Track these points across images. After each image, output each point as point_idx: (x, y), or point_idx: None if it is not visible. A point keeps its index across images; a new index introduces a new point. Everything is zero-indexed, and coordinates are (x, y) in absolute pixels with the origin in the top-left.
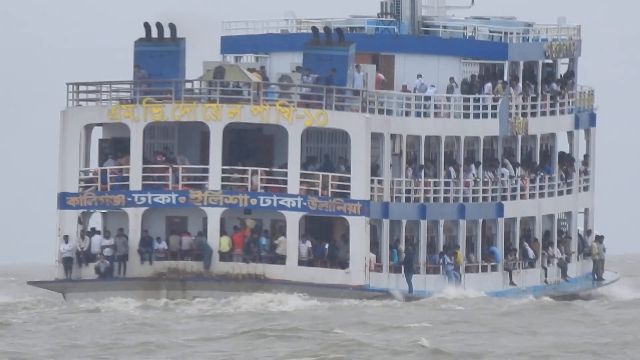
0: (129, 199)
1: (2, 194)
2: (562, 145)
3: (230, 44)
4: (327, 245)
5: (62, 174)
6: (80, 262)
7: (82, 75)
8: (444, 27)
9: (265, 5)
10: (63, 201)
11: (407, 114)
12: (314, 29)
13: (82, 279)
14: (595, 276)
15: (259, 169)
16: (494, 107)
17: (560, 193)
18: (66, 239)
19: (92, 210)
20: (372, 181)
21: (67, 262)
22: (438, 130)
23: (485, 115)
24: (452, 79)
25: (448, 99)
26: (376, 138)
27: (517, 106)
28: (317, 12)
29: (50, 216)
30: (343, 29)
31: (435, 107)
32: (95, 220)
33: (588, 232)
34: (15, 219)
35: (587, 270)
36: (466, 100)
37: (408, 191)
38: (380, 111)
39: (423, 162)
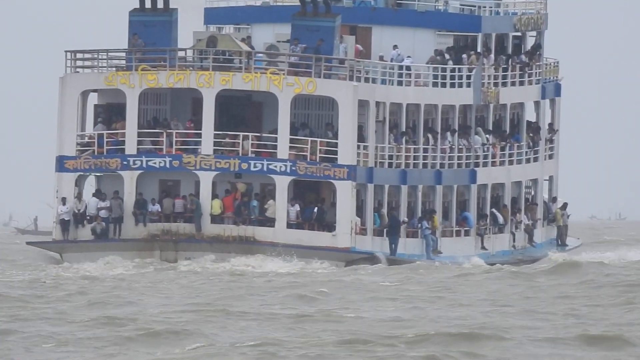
0: (124, 163)
1: (4, 157)
2: (529, 115)
3: (213, 15)
4: (315, 209)
5: (60, 138)
6: (77, 224)
7: (79, 43)
8: (416, 0)
9: None
10: (61, 164)
11: (387, 82)
12: (302, 1)
13: (78, 239)
14: (559, 242)
15: (250, 134)
16: (468, 77)
17: (528, 161)
18: (64, 200)
19: (88, 174)
20: (357, 147)
21: (64, 224)
22: (418, 98)
23: (460, 85)
24: (437, 51)
25: (430, 68)
26: (362, 105)
27: (489, 76)
28: None
29: (49, 178)
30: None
31: (415, 76)
32: (90, 184)
33: (553, 199)
34: (16, 180)
35: (551, 236)
36: (444, 70)
37: (390, 157)
38: (366, 80)
39: (404, 129)
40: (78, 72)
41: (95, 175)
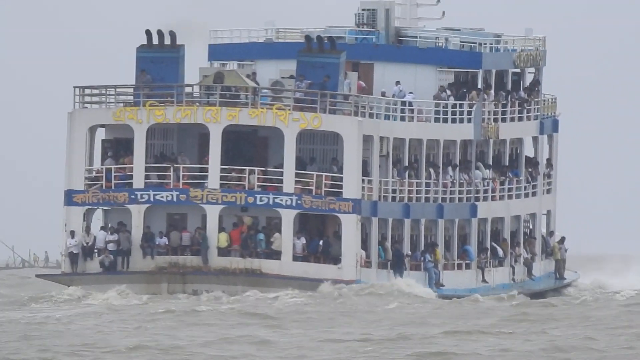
0: (132, 197)
1: (11, 192)
2: (527, 150)
3: (217, 52)
4: (321, 242)
5: (68, 172)
6: (85, 257)
7: (87, 79)
8: (415, 37)
9: (246, 15)
10: (69, 198)
11: (390, 117)
12: (307, 37)
13: (87, 272)
14: (557, 275)
15: (256, 168)
16: (469, 113)
17: (527, 195)
18: (72, 234)
19: (96, 207)
20: (362, 181)
21: (73, 256)
22: (420, 133)
23: (461, 120)
24: (441, 87)
25: (432, 104)
26: (366, 140)
27: (489, 112)
28: (295, 22)
29: (58, 213)
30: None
31: (418, 112)
32: (97, 217)
33: (550, 233)
34: (24, 215)
35: (549, 269)
36: (445, 106)
37: (394, 191)
38: (370, 115)
39: (407, 164)
40: (86, 107)
41: (102, 209)
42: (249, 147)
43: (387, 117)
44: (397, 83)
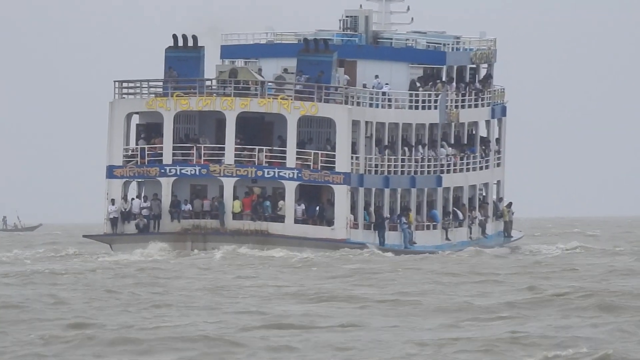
0: (162, 171)
1: (62, 168)
2: (481, 131)
3: (228, 52)
4: (317, 208)
5: (109, 151)
6: (124, 220)
7: (124, 73)
8: (390, 38)
9: (251, 21)
10: (110, 172)
11: (373, 105)
12: (305, 40)
13: (125, 233)
14: (506, 234)
15: (264, 147)
16: (435, 101)
17: (481, 168)
18: (113, 202)
19: (132, 180)
20: (351, 158)
21: (113, 220)
22: (397, 118)
23: (429, 107)
24: (413, 80)
25: (406, 94)
26: (354, 124)
27: (452, 100)
28: (290, 27)
29: (100, 184)
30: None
31: (395, 101)
32: (133, 188)
33: (500, 199)
34: (71, 186)
35: (499, 229)
36: (416, 95)
37: (376, 166)
38: (357, 104)
39: (387, 143)
40: (124, 97)
41: (137, 181)
42: (257, 130)
43: (370, 105)
44: (376, 77)
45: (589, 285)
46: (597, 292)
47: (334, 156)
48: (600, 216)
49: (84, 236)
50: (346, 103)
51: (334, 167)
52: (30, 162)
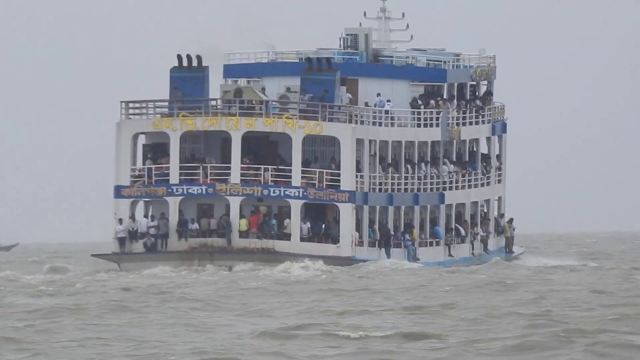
0: (169, 190)
1: (69, 188)
2: (482, 148)
3: (230, 71)
4: (323, 225)
5: (117, 171)
6: (131, 239)
7: (129, 94)
8: (390, 56)
9: (251, 39)
10: (118, 192)
11: (376, 124)
12: (309, 59)
13: (133, 252)
14: (507, 249)
15: (270, 166)
16: (437, 119)
17: (482, 185)
18: (120, 221)
19: (140, 199)
20: (355, 176)
21: (121, 240)
22: (400, 136)
23: (431, 125)
24: (415, 98)
25: (408, 112)
26: (358, 143)
27: (453, 118)
28: (290, 45)
29: (107, 204)
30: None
31: (397, 119)
32: (140, 207)
33: (501, 215)
34: (78, 206)
35: (500, 245)
36: (418, 113)
37: (380, 183)
38: (361, 122)
39: (390, 161)
40: (130, 118)
41: (144, 200)
42: (262, 149)
43: (373, 124)
44: (378, 95)
45: None
46: None
47: (338, 174)
48: (603, 231)
49: (93, 255)
50: (350, 122)
51: (339, 186)
52: (30, 182)
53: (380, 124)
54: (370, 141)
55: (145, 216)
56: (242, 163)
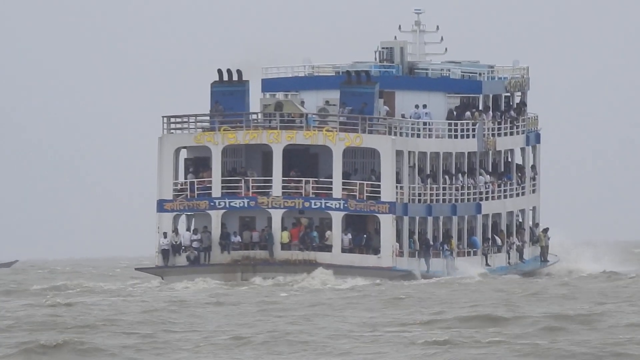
0: (212, 204)
1: (113, 202)
2: (517, 158)
3: (269, 85)
4: (364, 236)
5: (159, 185)
6: (175, 253)
7: (171, 109)
8: (426, 69)
9: (286, 53)
10: (161, 206)
11: (414, 135)
12: (348, 72)
13: (176, 265)
14: (542, 258)
15: (311, 179)
16: (473, 130)
17: (517, 195)
18: (164, 235)
19: (182, 213)
20: (395, 187)
21: (164, 253)
22: (438, 147)
23: (467, 136)
24: (451, 110)
25: (445, 123)
26: (398, 154)
27: (488, 129)
28: (327, 59)
29: (150, 218)
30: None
31: (435, 130)
32: (182, 221)
33: (536, 224)
34: (122, 221)
35: (535, 254)
36: (455, 124)
37: (419, 194)
38: (400, 134)
39: (429, 172)
40: (172, 133)
41: (186, 214)
42: (303, 162)
43: (411, 135)
44: (417, 106)
45: None
46: None
47: (379, 186)
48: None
49: (136, 269)
50: (389, 133)
51: (379, 197)
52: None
53: (418, 136)
54: (409, 152)
55: (188, 230)
56: (288, 176)
